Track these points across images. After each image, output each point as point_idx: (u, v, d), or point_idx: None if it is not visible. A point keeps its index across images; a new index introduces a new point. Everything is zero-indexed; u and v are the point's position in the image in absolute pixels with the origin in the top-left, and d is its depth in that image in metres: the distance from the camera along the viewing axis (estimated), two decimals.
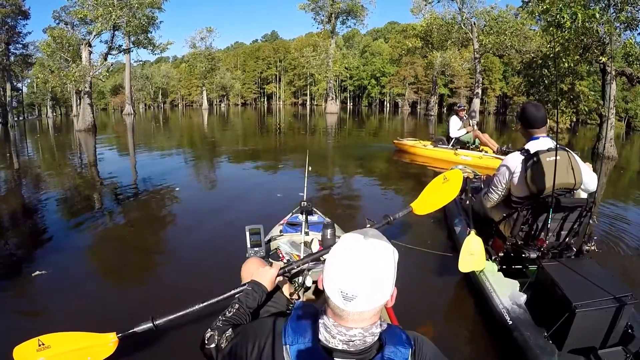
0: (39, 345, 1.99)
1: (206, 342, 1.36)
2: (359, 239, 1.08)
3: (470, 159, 9.47)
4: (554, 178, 2.77)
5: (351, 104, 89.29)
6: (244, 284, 1.83)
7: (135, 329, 2.16)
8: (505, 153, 8.73)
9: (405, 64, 68.28)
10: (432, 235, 5.03)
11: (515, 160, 3.13)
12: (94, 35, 21.14)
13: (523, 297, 2.80)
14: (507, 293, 2.91)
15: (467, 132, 10.08)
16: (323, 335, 1.09)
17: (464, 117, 10.19)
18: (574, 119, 15.88)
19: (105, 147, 15.30)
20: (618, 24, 12.41)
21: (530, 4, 20.47)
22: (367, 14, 41.09)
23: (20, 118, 43.78)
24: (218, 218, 5.59)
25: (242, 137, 20.15)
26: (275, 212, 4.47)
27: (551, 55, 13.64)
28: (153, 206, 6.49)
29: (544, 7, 14.83)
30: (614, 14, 12.30)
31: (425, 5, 32.75)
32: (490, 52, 31.05)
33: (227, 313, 1.52)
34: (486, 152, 9.64)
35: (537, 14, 16.94)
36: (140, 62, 31.91)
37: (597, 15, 11.68)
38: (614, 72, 13.81)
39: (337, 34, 43.85)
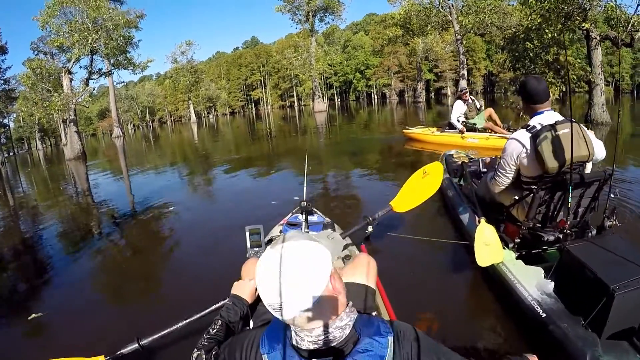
0: None
1: (197, 355, 1.36)
2: (268, 253, 1.10)
3: (477, 141, 9.39)
4: (571, 152, 2.59)
5: (339, 100, 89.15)
6: (226, 299, 1.83)
7: (122, 351, 2.28)
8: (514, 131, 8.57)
9: (388, 54, 68.24)
10: (435, 225, 4.84)
11: (522, 139, 2.92)
12: (73, 62, 20.86)
13: (550, 285, 2.60)
14: (533, 282, 2.68)
15: (479, 113, 9.86)
16: (295, 340, 1.09)
17: (469, 101, 9.91)
18: (563, 89, 15.67)
19: (97, 173, 15.01)
20: None
21: None
22: (344, 8, 40.90)
23: (10, 154, 43.55)
24: (213, 233, 5.48)
25: (234, 146, 19.94)
26: (271, 220, 4.30)
27: (533, 27, 13.45)
28: (149, 228, 6.32)
29: None
30: None
31: None
32: (471, 32, 30.89)
33: (211, 330, 1.52)
34: (492, 132, 9.47)
35: None
36: (124, 84, 31.78)
37: None
38: (598, 38, 13.72)
39: (317, 31, 43.62)
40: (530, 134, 2.87)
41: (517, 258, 3.03)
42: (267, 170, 10.61)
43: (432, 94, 73.46)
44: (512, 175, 3.09)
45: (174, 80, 56.93)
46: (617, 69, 46.78)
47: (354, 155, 11.60)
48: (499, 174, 3.15)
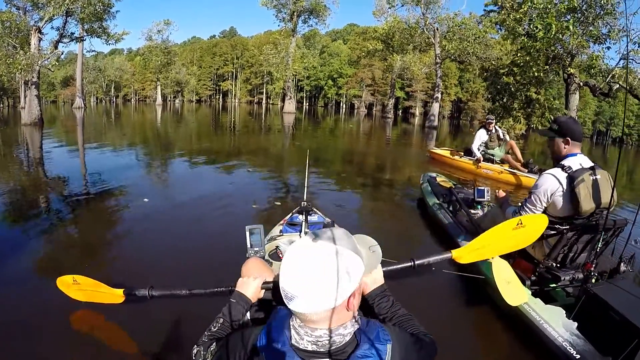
0: (73, 282, 2.73)
1: (193, 357, 1.36)
2: (307, 240, 1.09)
3: (491, 172, 9.12)
4: (612, 197, 2.66)
5: (307, 103, 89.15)
6: (229, 285, 1.90)
7: (135, 292, 2.52)
8: (531, 170, 8.50)
9: (363, 66, 68.92)
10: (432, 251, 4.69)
11: (559, 177, 2.88)
12: (45, 21, 19.44)
13: (575, 325, 2.61)
14: (559, 323, 2.67)
15: (500, 146, 9.47)
16: (294, 338, 1.08)
17: (492, 130, 9.48)
18: (534, 125, 16.22)
19: (52, 142, 13.89)
20: (588, 38, 12.74)
21: (492, 14, 21.14)
22: (330, 14, 40.85)
23: None
24: (167, 227, 5.12)
25: (196, 135, 19.26)
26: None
27: (521, 63, 13.80)
28: (101, 213, 5.68)
29: (502, 17, 15.31)
30: (585, 28, 12.63)
31: (389, 8, 32.95)
32: (452, 58, 31.55)
33: (212, 328, 1.49)
34: (509, 167, 9.16)
35: (497, 23, 17.45)
36: (94, 53, 30.23)
37: (572, 28, 11.91)
38: (580, 83, 14.21)
39: (298, 32, 43.38)
40: (566, 174, 2.85)
41: (534, 296, 2.99)
42: (229, 164, 10.40)
43: (400, 111, 74.74)
44: (540, 212, 2.99)
45: (146, 59, 54.86)
46: (581, 114, 49.19)
47: (350, 161, 11.52)
48: (527, 208, 3.04)
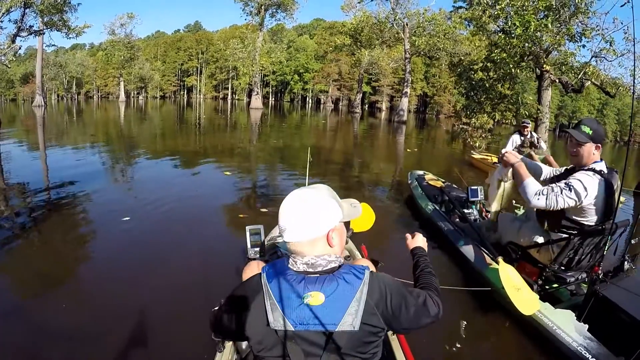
0: None
1: (213, 309, 1.53)
2: (299, 190, 1.38)
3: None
4: (617, 200, 2.76)
5: (273, 99, 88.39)
6: None
7: None
8: None
9: (330, 61, 68.82)
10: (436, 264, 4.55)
11: (595, 182, 2.73)
12: (2, 13, 18.45)
13: (585, 328, 2.66)
14: (570, 327, 2.71)
15: (537, 152, 8.55)
16: (291, 263, 1.33)
17: (527, 135, 8.68)
18: (508, 121, 16.46)
19: (10, 143, 12.96)
20: (565, 36, 12.94)
21: (460, 10, 21.28)
22: (298, 7, 40.50)
23: None
24: (128, 232, 4.89)
25: (160, 134, 18.63)
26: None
27: (497, 60, 13.89)
28: (65, 220, 5.34)
29: (472, 14, 15.42)
30: (563, 26, 12.82)
31: (358, 2, 32.85)
32: (422, 53, 31.79)
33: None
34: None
35: (466, 19, 17.58)
36: (54, 48, 28.80)
37: (550, 26, 12.04)
38: (554, 79, 14.46)
39: (265, 27, 42.82)
40: (603, 179, 2.76)
41: (542, 300, 2.99)
42: (193, 163, 10.23)
43: (367, 106, 75.17)
44: (571, 206, 2.78)
45: (108, 54, 52.70)
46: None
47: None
48: (561, 199, 2.73)
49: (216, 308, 1.49)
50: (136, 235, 4.82)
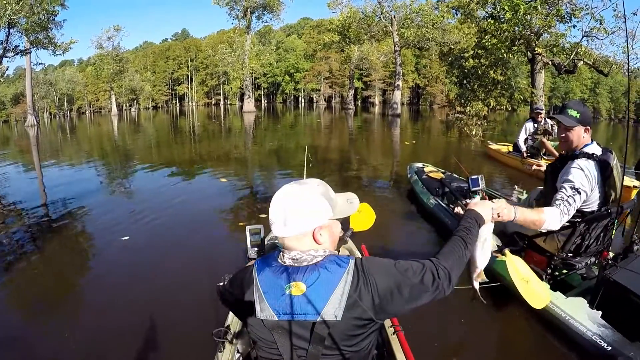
0: None
1: (218, 284, 1.59)
2: (291, 184, 1.39)
3: (532, 168, 8.30)
4: (622, 182, 2.67)
5: (265, 101, 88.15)
6: None
7: None
8: None
9: (320, 59, 68.72)
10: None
11: (593, 167, 2.68)
12: None
13: (598, 315, 2.60)
14: (584, 316, 2.63)
15: (536, 141, 8.49)
16: (280, 257, 1.37)
17: (541, 122, 8.41)
18: (508, 107, 16.43)
19: (5, 165, 12.91)
20: (555, 17, 12.85)
21: None
22: (283, 8, 40.35)
23: None
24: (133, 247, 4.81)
25: (155, 146, 18.52)
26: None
27: (489, 46, 13.78)
28: (66, 239, 5.28)
29: (460, 1, 15.40)
30: (552, 7, 12.73)
31: None
32: (411, 44, 31.69)
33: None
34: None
35: (453, 8, 17.51)
36: (43, 66, 28.55)
37: (539, 8, 11.94)
38: (547, 61, 14.38)
39: (252, 29, 42.65)
40: (596, 162, 2.68)
41: (552, 289, 2.92)
42: (189, 172, 10.14)
43: (360, 101, 75.12)
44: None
45: (97, 68, 52.40)
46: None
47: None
48: (571, 206, 2.59)
49: (220, 284, 1.57)
50: (136, 250, 4.73)
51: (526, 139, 8.49)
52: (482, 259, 1.67)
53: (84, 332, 3.02)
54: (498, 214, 1.81)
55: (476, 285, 1.77)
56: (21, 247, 4.96)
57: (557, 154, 7.43)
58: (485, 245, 1.64)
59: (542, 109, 8.36)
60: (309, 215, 1.32)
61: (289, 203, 1.32)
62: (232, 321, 2.11)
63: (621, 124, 51.27)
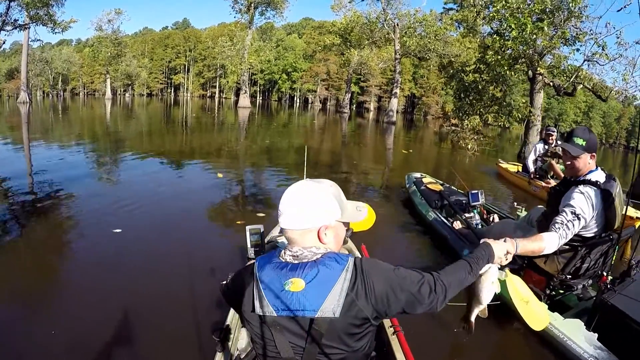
0: None
1: (222, 283, 1.61)
2: (305, 180, 1.41)
3: (539, 190, 8.08)
4: (626, 210, 2.77)
5: (261, 98, 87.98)
6: None
7: None
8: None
9: (318, 61, 68.72)
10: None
11: (596, 194, 2.73)
12: None
13: (595, 337, 2.64)
14: (581, 337, 2.68)
15: (545, 163, 8.27)
16: (281, 254, 1.37)
17: (552, 144, 8.10)
18: (501, 123, 16.54)
19: None
20: (560, 40, 12.96)
21: (451, 12, 21.38)
22: (287, 6, 40.26)
23: None
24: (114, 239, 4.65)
25: (147, 132, 18.31)
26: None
27: (492, 62, 13.84)
28: (51, 223, 5.17)
29: (463, 15, 15.50)
30: (556, 30, 12.83)
31: (349, 2, 32.76)
32: (412, 54, 31.80)
33: None
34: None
35: (456, 21, 17.61)
36: (40, 43, 28.14)
37: (546, 29, 12.02)
38: (547, 82, 14.48)
39: (254, 25, 42.47)
40: (600, 190, 2.73)
41: (550, 310, 2.94)
42: (185, 165, 10.03)
43: (355, 106, 75.26)
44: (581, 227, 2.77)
45: (95, 50, 51.84)
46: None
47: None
48: (569, 230, 2.66)
49: (224, 282, 1.58)
50: (131, 245, 4.57)
51: (535, 160, 8.38)
52: (487, 296, 1.70)
53: (76, 329, 2.87)
54: (506, 257, 1.85)
55: (473, 318, 1.79)
56: (6, 233, 4.76)
57: (558, 170, 7.62)
58: (493, 284, 1.68)
59: (554, 131, 8.20)
60: (317, 212, 1.33)
61: (302, 197, 1.34)
62: (232, 321, 2.08)
63: (612, 148, 52.04)
